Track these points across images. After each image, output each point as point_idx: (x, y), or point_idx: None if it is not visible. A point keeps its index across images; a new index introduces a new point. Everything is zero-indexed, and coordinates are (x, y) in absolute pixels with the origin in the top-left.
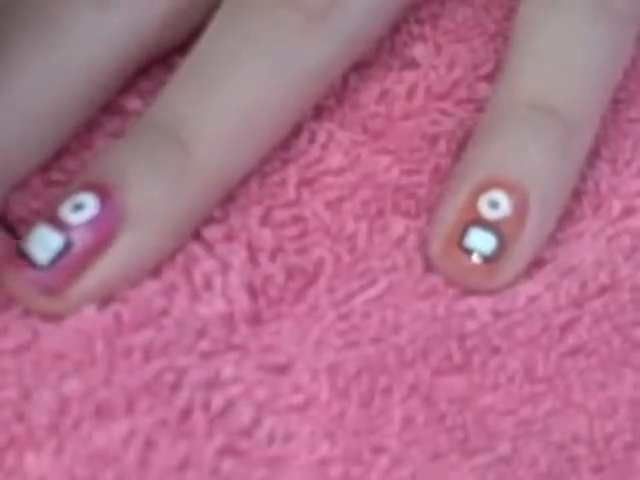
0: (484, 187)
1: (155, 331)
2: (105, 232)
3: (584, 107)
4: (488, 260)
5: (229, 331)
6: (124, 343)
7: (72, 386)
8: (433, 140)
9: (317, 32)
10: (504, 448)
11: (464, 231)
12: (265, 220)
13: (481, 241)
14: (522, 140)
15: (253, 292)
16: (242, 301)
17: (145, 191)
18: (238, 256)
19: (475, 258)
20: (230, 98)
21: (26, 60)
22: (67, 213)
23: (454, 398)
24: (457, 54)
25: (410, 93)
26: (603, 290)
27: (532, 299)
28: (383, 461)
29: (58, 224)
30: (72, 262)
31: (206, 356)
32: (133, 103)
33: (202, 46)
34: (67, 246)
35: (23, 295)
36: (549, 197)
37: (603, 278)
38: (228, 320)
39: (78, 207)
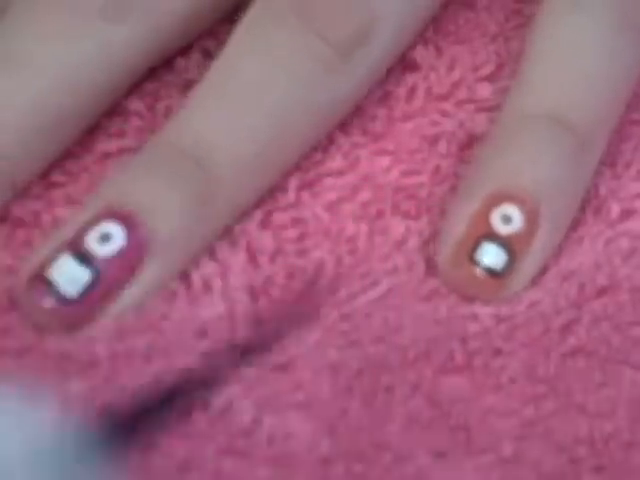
0: (497, 200)
1: (155, 334)
2: (132, 263)
3: (599, 120)
4: (497, 275)
5: (229, 331)
6: (125, 345)
7: (75, 387)
8: (433, 141)
9: (345, 67)
10: (507, 449)
11: (476, 244)
12: (265, 223)
13: (493, 256)
14: (536, 152)
15: (253, 293)
16: (242, 301)
17: (170, 220)
18: (238, 259)
19: (485, 273)
20: (258, 128)
21: (33, 66)
22: (94, 245)
23: (457, 398)
24: (457, 55)
25: (410, 95)
26: (602, 291)
27: (534, 304)
28: (386, 458)
29: (85, 257)
30: (99, 296)
31: (206, 356)
32: (134, 104)
33: (225, 63)
34: (95, 280)
35: (41, 322)
36: (559, 212)
37: (601, 280)
38: (228, 320)
39: (105, 238)
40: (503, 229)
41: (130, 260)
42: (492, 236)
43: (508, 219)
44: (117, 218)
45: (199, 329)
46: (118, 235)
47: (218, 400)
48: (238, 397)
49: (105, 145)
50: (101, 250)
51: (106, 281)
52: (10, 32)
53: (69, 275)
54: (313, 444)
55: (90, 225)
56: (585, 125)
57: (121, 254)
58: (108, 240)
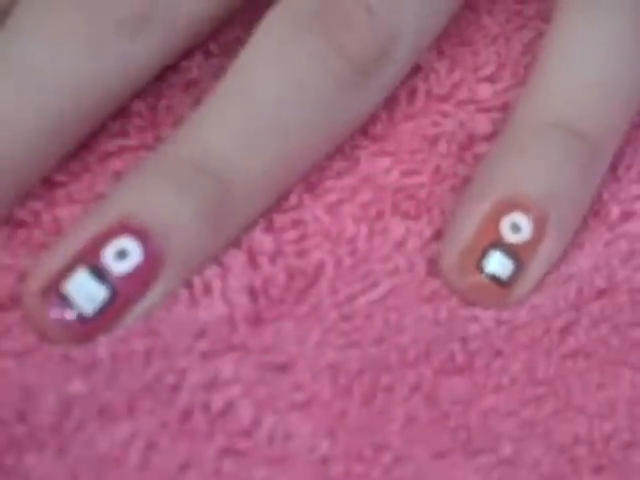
0: (507, 207)
1: (156, 336)
2: (146, 279)
3: (612, 129)
4: (503, 284)
5: (229, 331)
6: (126, 347)
7: (75, 388)
8: (433, 141)
9: (363, 84)
10: (507, 449)
11: (484, 252)
12: (266, 225)
13: (500, 265)
14: (547, 160)
15: (253, 293)
16: (242, 302)
17: (184, 237)
18: (238, 260)
19: (491, 281)
20: (272, 144)
21: (41, 70)
22: (111, 261)
23: (457, 398)
24: (458, 56)
25: (411, 96)
26: (601, 293)
27: (534, 306)
28: (385, 459)
29: (102, 274)
30: (113, 313)
31: (205, 357)
32: (135, 103)
33: (240, 74)
34: (112, 298)
35: (49, 333)
36: (566, 220)
37: (600, 282)
38: (228, 321)
39: (122, 255)
40: (512, 238)
41: (145, 276)
42: (500, 244)
43: (517, 228)
44: (133, 233)
45: (198, 330)
46: (134, 251)
47: (218, 400)
48: (238, 397)
49: (107, 144)
50: (118, 267)
51: (122, 298)
52: (21, 34)
53: (86, 292)
54: (313, 444)
55: (106, 239)
56: (598, 134)
57: (137, 270)
58: (125, 257)
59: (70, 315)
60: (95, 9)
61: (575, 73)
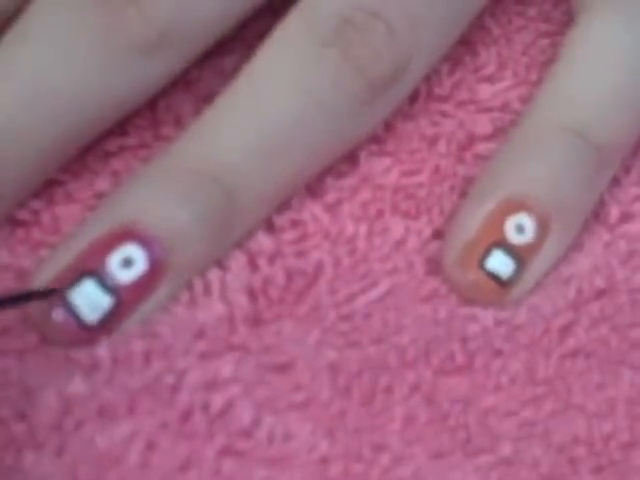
0: (512, 207)
1: (155, 337)
2: (150, 285)
3: (622, 139)
4: (503, 283)
5: (228, 332)
6: (126, 347)
7: (75, 387)
8: (433, 141)
9: (375, 102)
10: (506, 449)
11: (487, 251)
12: (265, 227)
13: (502, 265)
14: (555, 163)
15: (252, 294)
16: (241, 303)
17: (189, 245)
18: (237, 260)
19: (491, 280)
20: (288, 161)
21: (54, 82)
22: (116, 270)
23: (456, 398)
24: (459, 57)
25: (411, 96)
26: (600, 293)
27: (534, 308)
28: (384, 459)
29: (108, 283)
30: (117, 319)
31: (205, 357)
32: None
33: (252, 87)
34: (117, 306)
35: (50, 335)
36: (569, 224)
37: (599, 282)
38: (227, 321)
39: (127, 263)
40: (515, 238)
41: (149, 283)
42: (504, 244)
43: (521, 229)
44: (137, 239)
45: (198, 330)
46: (139, 259)
47: (218, 400)
48: (238, 397)
49: (106, 144)
50: (124, 276)
51: (125, 306)
52: (33, 42)
53: (91, 301)
54: (312, 444)
55: (111, 245)
56: (608, 143)
57: (141, 279)
58: (130, 265)
59: (73, 321)
60: (109, 27)
61: (592, 79)
